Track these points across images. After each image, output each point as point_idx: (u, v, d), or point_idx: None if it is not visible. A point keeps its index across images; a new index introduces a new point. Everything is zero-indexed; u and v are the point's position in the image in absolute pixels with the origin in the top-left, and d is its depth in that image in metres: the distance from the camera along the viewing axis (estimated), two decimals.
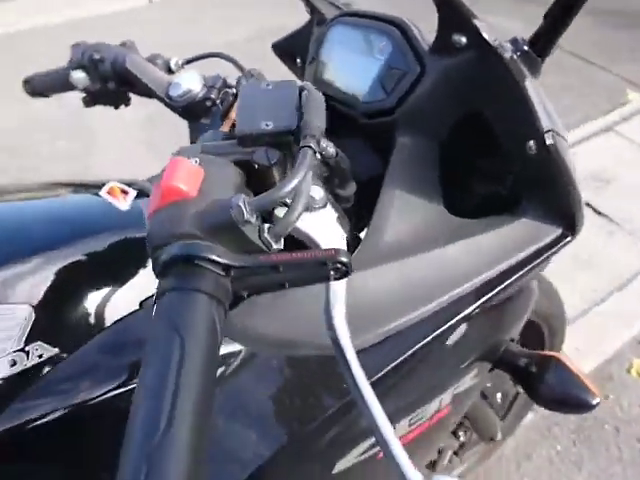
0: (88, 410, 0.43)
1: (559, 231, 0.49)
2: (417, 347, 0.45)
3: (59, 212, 0.47)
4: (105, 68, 0.65)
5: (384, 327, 0.40)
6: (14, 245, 0.42)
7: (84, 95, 0.70)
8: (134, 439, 0.22)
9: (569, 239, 0.50)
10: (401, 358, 0.45)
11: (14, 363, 0.38)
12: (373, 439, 0.46)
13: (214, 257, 0.27)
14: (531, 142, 0.44)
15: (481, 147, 0.51)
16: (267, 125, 0.34)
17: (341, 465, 0.48)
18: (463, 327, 0.51)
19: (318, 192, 0.39)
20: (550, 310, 0.99)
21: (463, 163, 0.53)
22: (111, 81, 0.66)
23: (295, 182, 0.30)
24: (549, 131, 0.43)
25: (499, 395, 1.06)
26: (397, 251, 0.43)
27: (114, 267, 0.45)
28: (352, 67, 0.53)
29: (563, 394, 0.54)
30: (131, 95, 0.71)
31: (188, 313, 0.26)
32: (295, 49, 0.64)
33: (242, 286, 0.29)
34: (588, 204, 1.90)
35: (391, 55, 0.50)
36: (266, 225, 0.30)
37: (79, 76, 0.66)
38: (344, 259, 0.29)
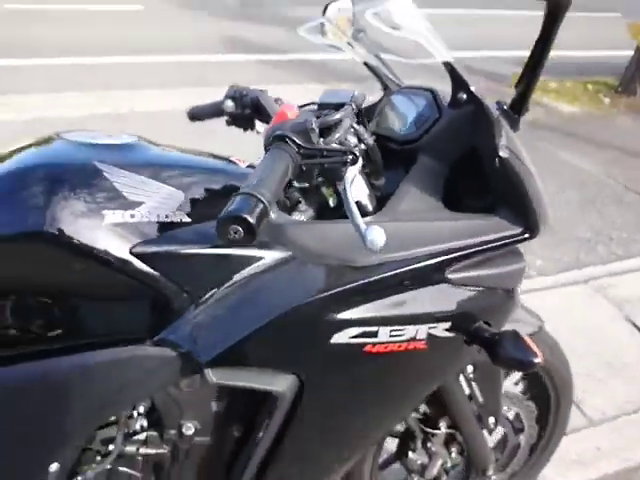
0: None
1: (519, 230, 0.72)
2: (414, 271, 0.70)
3: (211, 161, 0.80)
4: (246, 100, 1.01)
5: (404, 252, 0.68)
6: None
7: (227, 118, 1.07)
8: None
9: (527, 236, 0.73)
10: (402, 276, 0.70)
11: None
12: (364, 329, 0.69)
13: (294, 138, 0.58)
14: (496, 159, 0.70)
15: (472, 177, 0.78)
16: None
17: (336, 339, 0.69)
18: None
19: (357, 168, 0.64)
20: (554, 366, 1.12)
21: (461, 184, 0.80)
22: (248, 109, 1.02)
23: (340, 115, 0.63)
24: (505, 148, 0.69)
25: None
26: (406, 217, 0.70)
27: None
28: (401, 116, 0.85)
29: (514, 355, 0.71)
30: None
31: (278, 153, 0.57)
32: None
33: (303, 162, 0.59)
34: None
35: (423, 108, 0.80)
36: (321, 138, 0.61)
37: (229, 104, 1.03)
38: (357, 152, 0.60)
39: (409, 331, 0.72)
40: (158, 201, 0.63)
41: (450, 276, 0.74)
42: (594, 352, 1.79)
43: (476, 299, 0.78)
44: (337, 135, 0.62)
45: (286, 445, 0.77)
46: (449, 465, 1.12)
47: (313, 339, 0.70)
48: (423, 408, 1.03)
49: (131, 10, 6.42)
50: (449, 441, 1.07)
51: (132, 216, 0.62)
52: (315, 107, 0.72)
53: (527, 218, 0.74)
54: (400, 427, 1.06)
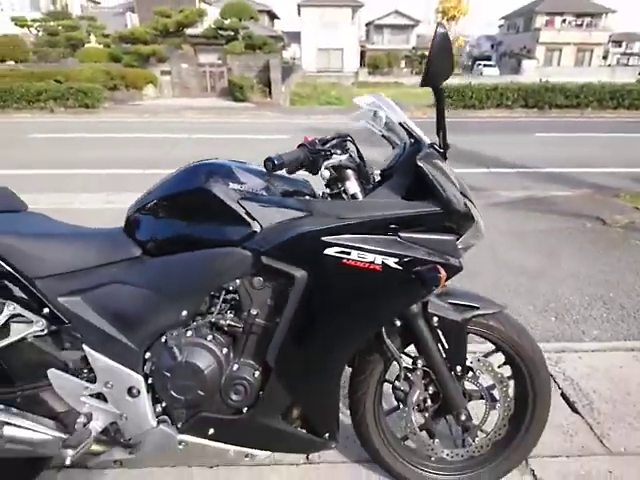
0: None
1: (438, 208, 1.20)
2: (377, 223, 1.20)
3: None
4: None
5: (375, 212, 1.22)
6: None
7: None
8: None
9: (442, 211, 1.19)
10: (369, 224, 1.20)
11: None
12: (342, 249, 1.18)
13: (306, 144, 1.21)
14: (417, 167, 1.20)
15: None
16: None
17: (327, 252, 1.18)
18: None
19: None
20: (523, 347, 1.40)
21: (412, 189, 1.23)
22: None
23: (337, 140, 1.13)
24: (421, 159, 1.17)
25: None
26: (380, 200, 1.19)
27: None
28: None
29: (428, 274, 1.20)
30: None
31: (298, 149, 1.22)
32: None
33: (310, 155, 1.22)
34: None
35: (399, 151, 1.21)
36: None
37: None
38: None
39: (370, 257, 1.18)
40: (253, 184, 1.25)
41: (400, 234, 1.21)
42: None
43: (415, 251, 1.21)
44: (333, 142, 1.24)
45: (300, 319, 1.23)
46: (427, 397, 1.42)
47: (316, 250, 1.18)
48: (400, 341, 1.39)
49: None
50: (425, 377, 1.40)
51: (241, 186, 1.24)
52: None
53: (441, 201, 1.20)
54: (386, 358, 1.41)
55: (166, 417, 1.33)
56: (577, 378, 2.11)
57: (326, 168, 1.23)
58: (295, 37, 38.84)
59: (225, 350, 1.30)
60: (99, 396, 1.30)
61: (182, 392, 1.26)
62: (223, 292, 1.28)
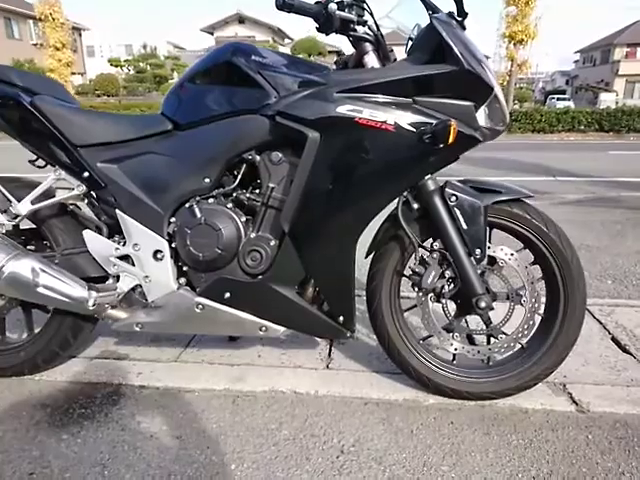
0: None
1: (450, 67, 1.19)
2: (393, 84, 1.21)
3: None
4: None
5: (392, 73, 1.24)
6: None
7: None
8: None
9: (455, 68, 1.18)
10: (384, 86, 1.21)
11: None
12: (354, 107, 1.20)
13: None
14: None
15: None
16: None
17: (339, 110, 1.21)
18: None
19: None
20: (550, 238, 1.34)
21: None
22: None
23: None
24: (436, 19, 1.22)
25: None
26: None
27: None
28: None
29: (440, 127, 1.17)
30: None
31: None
32: None
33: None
34: None
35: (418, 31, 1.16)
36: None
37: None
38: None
39: (382, 116, 1.19)
40: (274, 59, 1.33)
41: (416, 98, 1.21)
42: None
43: (429, 114, 1.20)
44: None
45: (311, 183, 1.26)
46: (444, 283, 1.36)
47: (328, 107, 1.21)
48: (418, 227, 1.35)
49: None
50: (442, 261, 1.31)
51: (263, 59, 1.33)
52: None
53: (454, 59, 1.17)
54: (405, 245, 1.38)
55: (186, 281, 1.39)
56: (631, 327, 1.92)
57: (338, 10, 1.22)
58: None
59: (244, 219, 1.35)
60: (127, 259, 1.39)
61: (200, 250, 1.32)
62: (244, 165, 1.35)
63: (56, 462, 1.22)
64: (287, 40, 34.33)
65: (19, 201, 1.39)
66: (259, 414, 1.41)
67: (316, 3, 1.24)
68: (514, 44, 13.66)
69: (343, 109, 1.20)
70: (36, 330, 1.58)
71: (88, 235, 1.39)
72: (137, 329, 1.42)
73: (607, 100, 34.80)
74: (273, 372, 1.61)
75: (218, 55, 1.36)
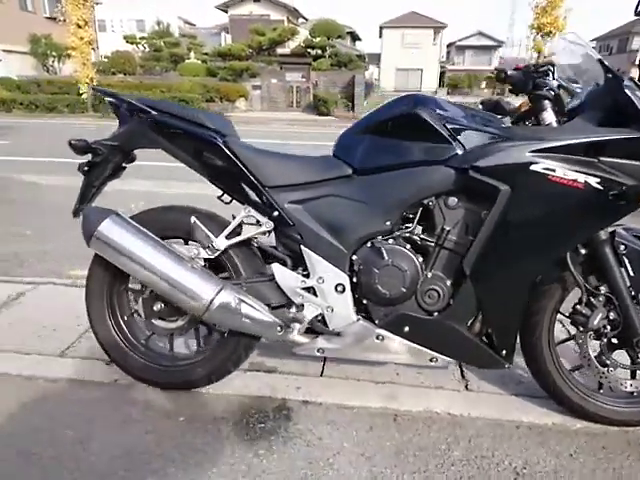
0: None
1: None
2: (578, 147, 1.33)
3: None
4: None
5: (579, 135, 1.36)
6: None
7: None
8: None
9: None
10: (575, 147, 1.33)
11: None
12: (548, 165, 1.33)
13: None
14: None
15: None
16: None
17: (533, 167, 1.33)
18: None
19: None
20: None
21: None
22: None
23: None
24: (628, 87, 1.30)
25: None
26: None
27: None
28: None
29: None
30: None
31: None
32: None
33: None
34: None
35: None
36: None
37: None
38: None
39: (573, 175, 1.31)
40: (455, 112, 1.46)
41: (600, 158, 1.31)
42: None
43: (616, 174, 1.30)
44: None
45: (498, 232, 1.38)
46: (607, 323, 1.49)
47: (523, 165, 1.33)
48: (582, 271, 1.48)
49: None
50: (607, 304, 1.47)
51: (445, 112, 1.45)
52: None
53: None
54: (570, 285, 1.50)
55: (365, 313, 1.52)
56: None
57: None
58: (373, 58, 39.48)
59: (420, 259, 1.47)
60: (309, 290, 1.52)
61: (387, 289, 1.44)
62: (420, 209, 1.46)
63: (267, 478, 1.37)
64: (301, 20, 33.84)
65: (216, 236, 1.51)
66: (424, 434, 1.55)
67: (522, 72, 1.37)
68: (542, 36, 13.56)
69: (538, 167, 1.31)
70: (205, 347, 1.72)
71: (277, 268, 1.51)
72: (317, 354, 1.55)
73: None
74: (419, 392, 1.75)
75: (400, 106, 1.46)
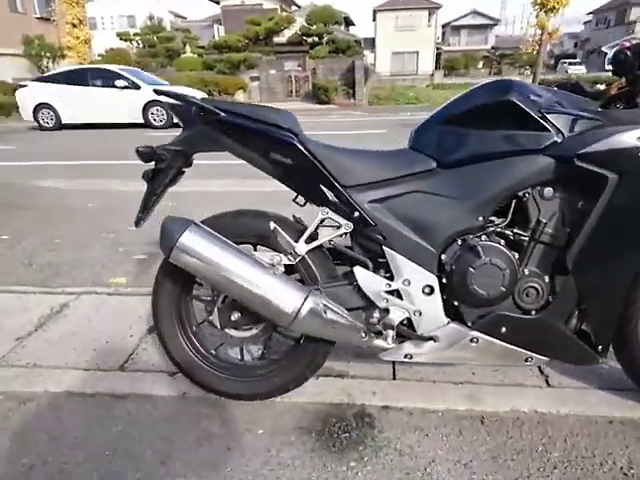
0: None
1: None
2: None
3: None
4: None
5: None
6: None
7: None
8: None
9: None
10: None
11: None
12: None
13: None
14: None
15: None
16: None
17: None
18: None
19: None
20: None
21: None
22: None
23: None
24: None
25: None
26: None
27: None
28: None
29: None
30: None
31: None
32: None
33: None
34: None
35: None
36: None
37: None
38: None
39: None
40: (547, 97, 1.37)
41: None
42: None
43: None
44: None
45: (604, 223, 1.30)
46: None
47: (633, 150, 1.25)
48: None
49: None
50: None
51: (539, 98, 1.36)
52: None
53: None
54: None
55: (457, 315, 1.45)
56: None
57: None
58: (367, 43, 39.05)
59: (517, 255, 1.40)
60: (393, 293, 1.45)
61: (485, 289, 1.37)
62: (513, 201, 1.38)
63: None
64: (294, 7, 33.39)
65: (295, 241, 1.43)
66: (516, 436, 1.49)
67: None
68: (545, 12, 13.32)
69: None
70: (279, 355, 1.66)
71: (359, 271, 1.44)
72: (405, 359, 1.49)
73: None
74: (500, 391, 1.69)
75: (489, 92, 1.37)
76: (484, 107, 1.36)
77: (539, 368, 1.81)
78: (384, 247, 1.43)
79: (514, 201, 1.38)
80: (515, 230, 1.41)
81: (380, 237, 1.43)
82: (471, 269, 1.36)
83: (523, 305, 1.41)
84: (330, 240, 1.48)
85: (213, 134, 1.43)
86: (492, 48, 41.56)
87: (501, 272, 1.35)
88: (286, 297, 1.37)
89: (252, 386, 1.62)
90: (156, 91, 1.49)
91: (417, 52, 38.47)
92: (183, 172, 1.58)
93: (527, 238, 1.40)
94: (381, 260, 1.45)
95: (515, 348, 1.44)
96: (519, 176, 1.34)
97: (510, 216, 1.39)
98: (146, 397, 1.71)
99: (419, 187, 1.41)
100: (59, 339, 2.11)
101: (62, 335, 2.14)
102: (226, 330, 1.58)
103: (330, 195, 1.42)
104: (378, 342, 1.47)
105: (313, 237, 1.46)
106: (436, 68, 38.30)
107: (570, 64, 37.48)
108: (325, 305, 1.40)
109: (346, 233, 1.45)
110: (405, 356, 1.48)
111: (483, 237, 1.40)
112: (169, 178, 1.53)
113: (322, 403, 1.65)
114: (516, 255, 1.40)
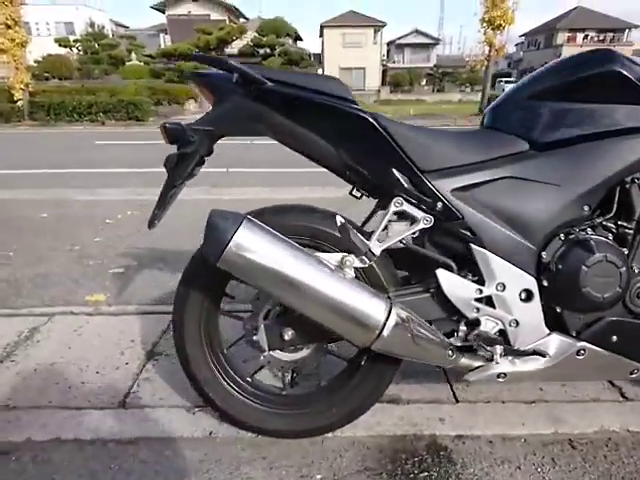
0: None
1: None
2: None
3: None
4: None
5: None
6: None
7: None
8: None
9: None
10: None
11: None
12: None
13: None
14: None
15: None
16: None
17: None
18: None
19: None
20: None
21: None
22: None
23: None
24: None
25: None
26: None
27: None
28: None
29: None
30: None
31: None
32: None
33: None
34: None
35: None
36: None
37: None
38: None
39: None
40: None
41: None
42: None
43: None
44: None
45: None
46: None
47: None
48: None
49: None
50: None
51: None
52: None
53: None
54: None
55: (557, 324, 1.23)
56: None
57: None
58: (315, 59, 39.40)
59: (625, 251, 1.20)
60: (483, 300, 1.21)
61: (600, 291, 1.16)
62: (618, 189, 1.20)
63: None
64: (242, 20, 33.16)
65: (368, 240, 1.16)
66: (616, 461, 1.29)
67: None
68: (492, 29, 13.88)
69: None
70: (326, 383, 1.37)
71: (443, 275, 1.19)
72: (500, 380, 1.24)
73: None
74: (579, 408, 1.49)
75: (589, 64, 1.18)
76: (587, 79, 1.17)
77: (610, 380, 1.63)
78: (472, 245, 1.19)
79: (618, 188, 1.20)
80: (620, 222, 1.22)
81: (468, 233, 1.19)
82: (584, 268, 1.15)
83: (635, 309, 1.22)
84: (402, 238, 1.22)
85: (255, 109, 1.13)
86: (434, 66, 43.22)
87: (618, 270, 1.15)
88: (369, 309, 1.09)
89: (304, 421, 1.33)
90: (194, 57, 1.18)
91: (364, 68, 39.24)
92: (204, 162, 1.28)
93: (632, 231, 1.21)
94: (465, 261, 1.22)
95: (623, 359, 1.24)
96: (632, 158, 1.16)
97: (617, 206, 1.20)
98: (161, 440, 1.37)
99: (511, 172, 1.19)
100: (34, 372, 1.70)
101: (37, 366, 1.74)
102: (271, 352, 1.28)
103: (406, 182, 1.17)
104: (466, 360, 1.22)
105: (385, 235, 1.20)
106: (382, 84, 39.21)
107: (507, 82, 39.57)
108: (411, 319, 1.14)
109: (425, 229, 1.20)
110: (499, 375, 1.24)
111: (589, 231, 1.20)
112: (190, 168, 1.22)
113: (383, 436, 1.38)
114: (625, 251, 1.21)
